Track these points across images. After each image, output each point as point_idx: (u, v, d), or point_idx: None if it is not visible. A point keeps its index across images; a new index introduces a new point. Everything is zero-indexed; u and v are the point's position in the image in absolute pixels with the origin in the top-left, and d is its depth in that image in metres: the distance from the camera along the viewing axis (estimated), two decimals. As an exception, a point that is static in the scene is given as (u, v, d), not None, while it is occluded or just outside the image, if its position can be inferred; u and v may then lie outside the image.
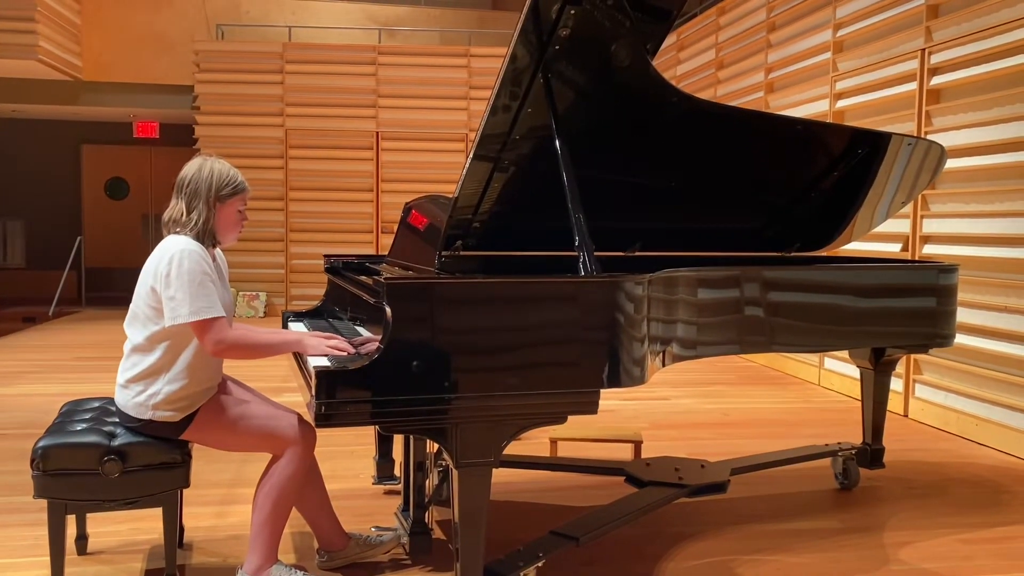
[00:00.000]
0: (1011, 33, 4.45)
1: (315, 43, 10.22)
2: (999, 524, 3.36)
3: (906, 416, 5.22)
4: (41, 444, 2.47)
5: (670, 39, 8.98)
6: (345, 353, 2.49)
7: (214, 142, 9.98)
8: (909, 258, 5.22)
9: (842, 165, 3.54)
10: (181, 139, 10.98)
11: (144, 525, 3.18)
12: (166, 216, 2.60)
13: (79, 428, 2.57)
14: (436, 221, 3.09)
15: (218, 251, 2.72)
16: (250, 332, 2.52)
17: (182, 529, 3.03)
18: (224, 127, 10.00)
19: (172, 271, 2.44)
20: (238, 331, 2.49)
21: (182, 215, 2.57)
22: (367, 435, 4.48)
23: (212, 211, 2.57)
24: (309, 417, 2.34)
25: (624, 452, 4.19)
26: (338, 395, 2.15)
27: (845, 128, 3.51)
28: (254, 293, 9.99)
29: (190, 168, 2.60)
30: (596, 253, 2.58)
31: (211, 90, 10.00)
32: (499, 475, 3.82)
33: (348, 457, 4.17)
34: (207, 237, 2.57)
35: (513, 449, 3.99)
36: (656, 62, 2.85)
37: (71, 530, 2.89)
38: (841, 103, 6.00)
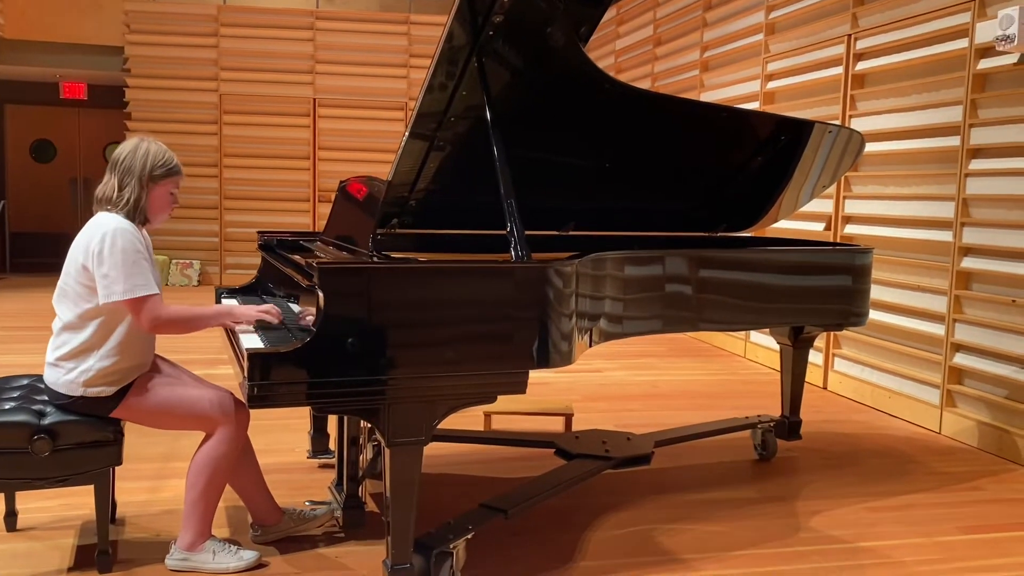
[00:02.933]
0: (930, 23, 4.63)
1: (251, 6, 9.99)
2: (903, 493, 3.58)
3: (825, 388, 5.46)
4: (-32, 423, 2.45)
5: (610, 13, 9.03)
6: (275, 319, 2.57)
7: (145, 106, 9.73)
8: (831, 237, 5.42)
9: (767, 150, 3.67)
10: (111, 101, 10.66)
11: (75, 500, 3.17)
12: (99, 192, 2.61)
13: (7, 407, 2.55)
14: (373, 193, 3.11)
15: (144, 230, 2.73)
16: (183, 308, 2.55)
17: (114, 504, 3.04)
18: (156, 91, 9.75)
19: (105, 249, 2.45)
20: (171, 307, 2.52)
21: (114, 192, 2.58)
22: (302, 409, 4.51)
23: (145, 190, 2.58)
24: (242, 396, 2.38)
25: (556, 424, 4.31)
26: (271, 377, 2.20)
27: (770, 116, 3.63)
28: (188, 261, 9.83)
29: (125, 147, 2.61)
30: (531, 231, 2.66)
31: (142, 52, 9.72)
32: (433, 448, 3.91)
33: (283, 431, 4.20)
34: (138, 216, 2.58)
35: (448, 422, 4.06)
36: (596, 36, 2.91)
37: None
38: (772, 84, 6.16)
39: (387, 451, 2.35)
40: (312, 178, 10.11)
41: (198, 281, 9.85)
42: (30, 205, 11.94)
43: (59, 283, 2.57)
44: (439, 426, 2.42)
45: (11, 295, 8.73)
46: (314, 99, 10.04)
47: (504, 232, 2.59)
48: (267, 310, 2.59)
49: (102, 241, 2.46)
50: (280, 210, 10.00)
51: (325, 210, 9.91)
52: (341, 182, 3.44)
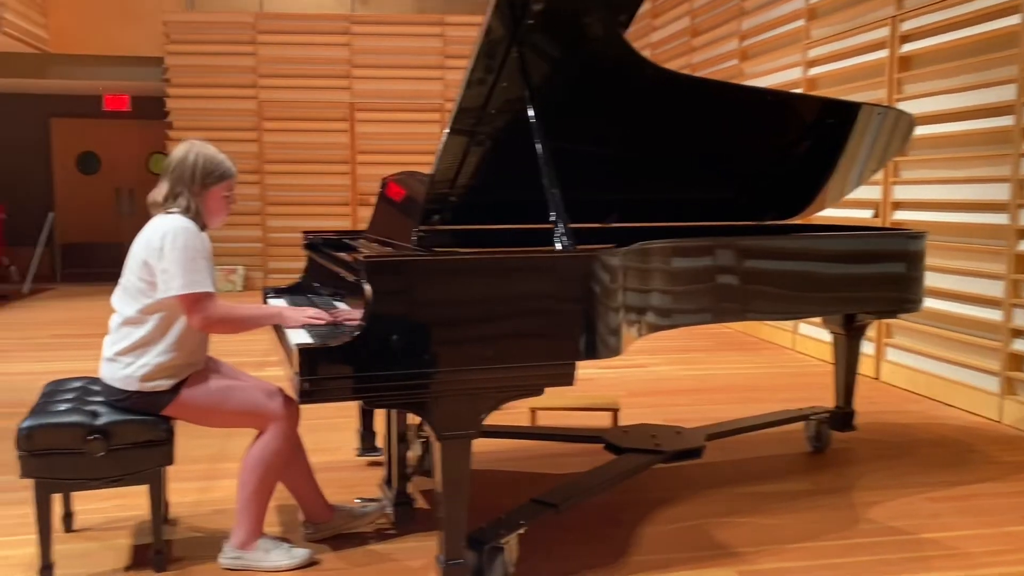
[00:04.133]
0: (977, 1, 4.50)
1: (287, 12, 10.09)
2: (965, 483, 3.47)
3: (877, 379, 5.34)
4: (25, 425, 2.49)
5: (645, 6, 8.94)
6: (323, 322, 2.57)
7: (186, 115, 9.87)
8: (880, 224, 5.30)
9: (813, 134, 3.59)
10: (152, 112, 10.83)
11: (129, 501, 3.21)
12: (151, 198, 2.63)
13: (62, 408, 2.58)
14: (413, 194, 3.11)
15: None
16: (233, 307, 2.57)
17: (167, 505, 3.06)
18: (196, 99, 9.88)
19: (166, 245, 2.48)
20: (223, 307, 2.53)
21: (168, 198, 2.60)
22: (350, 408, 4.52)
23: (198, 198, 2.60)
24: (292, 392, 2.38)
25: (603, 420, 4.26)
26: (320, 371, 2.19)
27: (815, 98, 3.55)
28: (232, 267, 9.94)
29: (176, 154, 2.63)
30: (573, 224, 2.62)
31: (182, 62, 9.87)
32: (480, 444, 3.88)
33: (331, 430, 4.21)
34: (195, 221, 2.60)
35: (494, 419, 4.04)
36: (630, 29, 2.87)
37: (57, 507, 2.92)
38: (813, 71, 6.04)
39: (437, 445, 2.33)
40: (351, 182, 10.17)
41: (242, 287, 9.96)
42: (77, 217, 12.18)
43: (120, 280, 2.61)
44: (485, 422, 2.40)
45: (62, 304, 8.91)
46: (351, 103, 10.10)
47: (547, 227, 2.56)
48: (317, 315, 2.58)
49: (163, 238, 2.49)
50: (321, 214, 10.07)
51: (365, 213, 9.97)
52: (384, 179, 3.44)
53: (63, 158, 12.35)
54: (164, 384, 2.56)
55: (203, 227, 2.64)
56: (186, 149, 2.63)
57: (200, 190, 2.61)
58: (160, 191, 2.62)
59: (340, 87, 10.07)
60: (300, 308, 2.65)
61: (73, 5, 9.96)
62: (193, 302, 2.49)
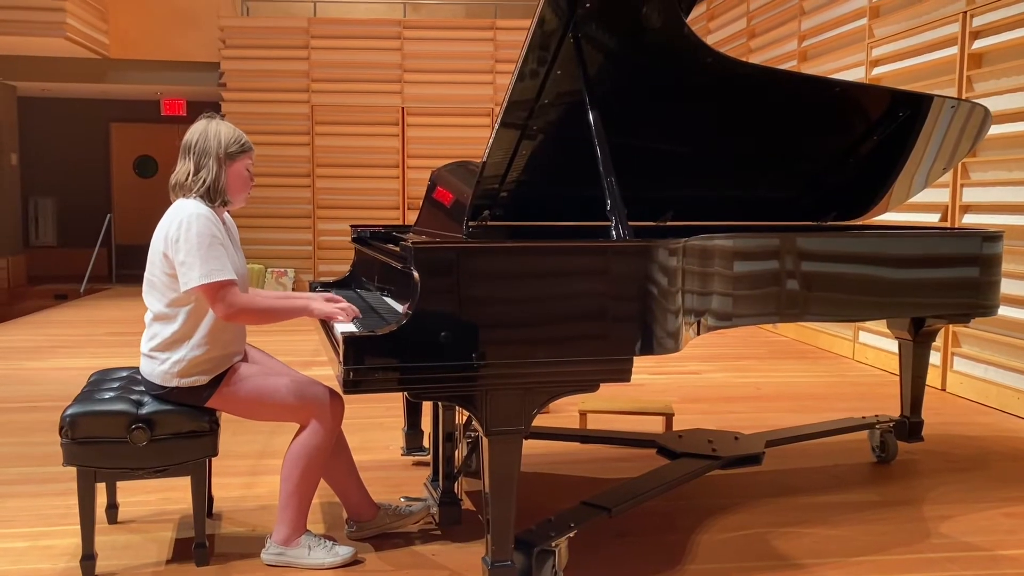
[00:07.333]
0: (1058, -8, 4.29)
1: (340, 18, 10.15)
2: (1044, 498, 3.27)
3: (944, 390, 5.11)
4: (69, 412, 2.46)
5: (700, 8, 8.80)
6: (352, 315, 2.48)
7: (240, 119, 9.96)
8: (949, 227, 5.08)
9: (881, 130, 3.43)
10: (208, 116, 10.99)
11: (173, 495, 3.17)
12: (173, 180, 2.58)
13: (107, 396, 2.55)
14: (462, 197, 3.03)
15: (227, 216, 2.69)
16: (259, 297, 2.50)
17: (211, 499, 3.02)
18: (250, 103, 9.98)
19: (182, 236, 2.42)
20: (247, 296, 2.47)
21: (189, 176, 2.54)
22: (396, 407, 4.46)
23: (223, 168, 2.54)
24: (338, 387, 2.31)
25: (654, 425, 4.12)
26: (366, 361, 2.12)
27: (885, 90, 3.39)
28: (282, 270, 10.00)
29: (196, 129, 2.58)
30: (628, 222, 2.51)
31: (237, 67, 9.98)
32: (529, 446, 3.78)
33: (377, 429, 4.15)
34: (218, 196, 2.54)
35: (542, 421, 3.94)
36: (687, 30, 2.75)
37: (101, 499, 2.89)
38: (877, 70, 5.84)
39: (485, 441, 2.24)
40: (402, 186, 10.17)
41: (292, 288, 10.01)
42: (133, 219, 12.41)
43: (145, 275, 2.55)
44: (534, 424, 2.29)
45: (116, 303, 9.04)
46: (402, 108, 10.11)
47: (599, 224, 2.45)
48: (345, 308, 2.49)
49: (179, 228, 2.43)
50: (371, 218, 10.08)
51: (414, 217, 9.95)
52: (432, 174, 3.37)
53: (122, 161, 12.61)
54: (202, 379, 2.51)
55: (226, 203, 2.58)
56: (204, 124, 2.58)
57: (226, 160, 2.54)
58: (183, 170, 2.55)
59: (391, 91, 10.09)
60: (331, 300, 2.56)
61: (133, 11, 10.16)
62: (214, 291, 2.41)
